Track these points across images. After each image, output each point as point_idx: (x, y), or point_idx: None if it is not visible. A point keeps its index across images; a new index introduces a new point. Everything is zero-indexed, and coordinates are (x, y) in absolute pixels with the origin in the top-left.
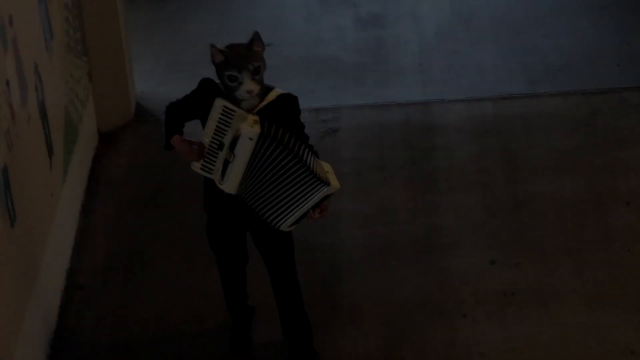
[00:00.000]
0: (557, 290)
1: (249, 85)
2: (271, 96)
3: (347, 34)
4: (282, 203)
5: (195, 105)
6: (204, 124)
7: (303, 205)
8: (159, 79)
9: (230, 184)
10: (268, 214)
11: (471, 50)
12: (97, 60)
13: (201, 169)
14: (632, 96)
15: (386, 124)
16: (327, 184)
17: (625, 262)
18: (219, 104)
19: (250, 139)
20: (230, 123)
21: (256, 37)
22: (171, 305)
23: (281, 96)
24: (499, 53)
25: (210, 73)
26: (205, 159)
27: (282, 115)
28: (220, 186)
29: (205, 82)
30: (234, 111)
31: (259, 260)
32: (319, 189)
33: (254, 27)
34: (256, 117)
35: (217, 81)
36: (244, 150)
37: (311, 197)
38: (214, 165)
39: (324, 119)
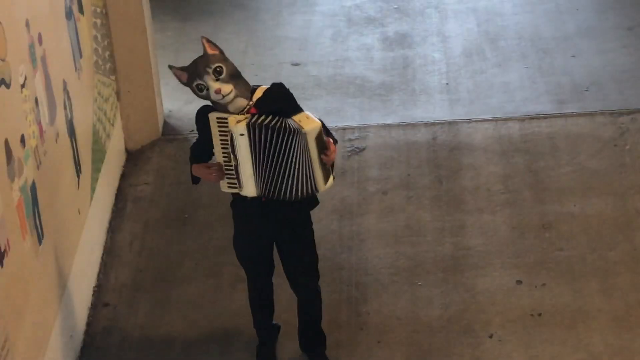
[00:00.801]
0: (585, 311)
1: (214, 86)
2: (257, 94)
3: (374, 53)
4: (297, 173)
5: (202, 134)
6: (212, 147)
7: (312, 160)
8: (186, 97)
9: (248, 187)
10: (295, 192)
11: (498, 70)
12: (125, 79)
13: (228, 186)
14: None
15: (413, 143)
16: (299, 130)
17: None
18: (212, 117)
19: (241, 134)
20: (227, 131)
21: (205, 42)
22: (197, 323)
23: (267, 90)
24: (526, 73)
25: None
26: (227, 176)
27: (275, 105)
28: (242, 193)
29: (200, 111)
30: (226, 119)
31: (284, 280)
32: (300, 138)
33: (280, 46)
34: (242, 116)
35: (209, 105)
36: (243, 149)
37: (307, 149)
38: (234, 178)
39: (350, 138)
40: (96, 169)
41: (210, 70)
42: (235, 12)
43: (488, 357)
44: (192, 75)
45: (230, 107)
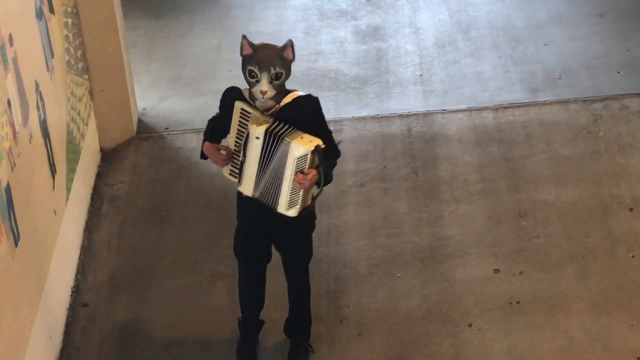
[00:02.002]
0: (562, 297)
1: (264, 86)
2: (288, 98)
3: (347, 46)
4: (276, 185)
5: (223, 113)
6: (229, 128)
7: (285, 177)
8: (160, 95)
9: (246, 185)
10: (274, 204)
11: (471, 60)
12: (98, 78)
13: (230, 173)
14: (632, 102)
15: (388, 135)
16: (287, 140)
17: (629, 268)
18: (238, 106)
19: (257, 138)
20: (246, 125)
21: (289, 45)
22: (177, 320)
23: (298, 98)
24: (499, 62)
25: (211, 88)
26: (232, 163)
27: (299, 115)
28: (239, 188)
29: (228, 90)
30: (250, 113)
31: (269, 275)
32: (283, 147)
33: (254, 41)
34: (267, 118)
35: (239, 89)
36: (254, 150)
37: (285, 165)
38: (237, 169)
39: None
40: (71, 169)
41: (273, 71)
42: (208, 9)
43: (468, 346)
44: (254, 59)
45: (258, 103)
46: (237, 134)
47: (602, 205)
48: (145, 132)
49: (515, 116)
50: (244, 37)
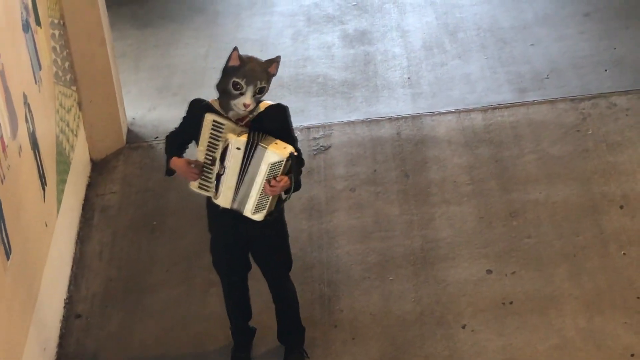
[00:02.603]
0: (555, 296)
1: (248, 100)
2: (260, 108)
3: (334, 51)
4: (248, 190)
5: (188, 126)
6: (197, 143)
7: (256, 182)
8: (149, 104)
9: (224, 198)
10: (242, 208)
11: (459, 62)
12: (86, 89)
13: (199, 187)
14: (620, 100)
15: (378, 139)
16: (262, 146)
17: (621, 265)
18: (209, 119)
19: (238, 148)
20: (220, 137)
21: (276, 61)
22: (171, 329)
23: (269, 107)
24: (486, 63)
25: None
26: (202, 177)
27: (272, 124)
28: (215, 201)
29: (194, 102)
30: (224, 124)
31: (259, 282)
32: (258, 153)
33: (241, 48)
34: (244, 129)
35: (206, 100)
36: (234, 161)
37: (258, 169)
38: (210, 182)
39: (315, 137)
40: (61, 181)
41: (258, 85)
42: (195, 17)
43: (462, 347)
44: (241, 71)
45: (232, 114)
46: (209, 146)
47: (592, 203)
48: (135, 141)
49: (504, 117)
50: (236, 48)
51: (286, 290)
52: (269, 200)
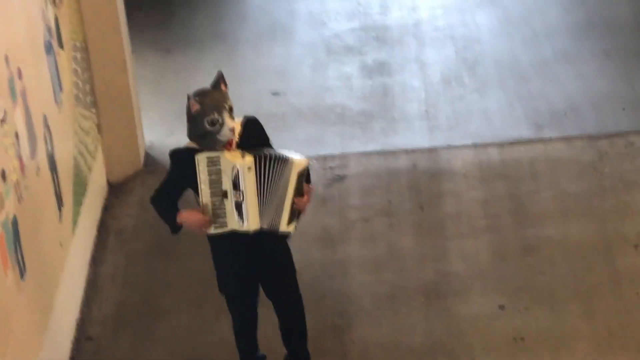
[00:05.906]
0: (567, 335)
1: (230, 123)
2: (238, 126)
3: (353, 81)
4: (276, 204)
5: (179, 178)
6: (195, 190)
7: (286, 195)
8: (167, 129)
9: (252, 221)
10: (275, 225)
11: (477, 95)
12: (106, 111)
13: (215, 228)
14: (638, 139)
15: (393, 170)
16: (288, 159)
17: (634, 305)
18: (201, 158)
19: (249, 168)
20: (220, 170)
21: (220, 77)
22: (182, 355)
23: (246, 123)
24: (504, 98)
25: None
26: (216, 217)
27: (254, 139)
28: (243, 229)
29: (175, 154)
30: (217, 156)
31: (268, 310)
32: (287, 167)
33: (261, 76)
34: (237, 151)
35: (183, 146)
36: (249, 183)
37: (288, 181)
38: (226, 218)
39: (331, 166)
40: (78, 202)
41: (227, 107)
42: (215, 44)
43: None
44: (208, 109)
45: (219, 145)
46: (212, 184)
47: (607, 242)
48: (152, 165)
49: (520, 152)
50: (190, 96)
51: (296, 300)
52: (296, 210)
